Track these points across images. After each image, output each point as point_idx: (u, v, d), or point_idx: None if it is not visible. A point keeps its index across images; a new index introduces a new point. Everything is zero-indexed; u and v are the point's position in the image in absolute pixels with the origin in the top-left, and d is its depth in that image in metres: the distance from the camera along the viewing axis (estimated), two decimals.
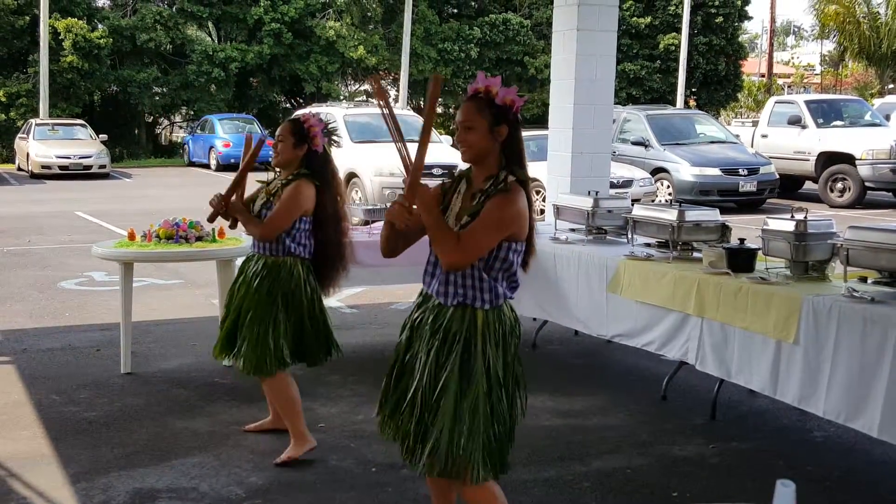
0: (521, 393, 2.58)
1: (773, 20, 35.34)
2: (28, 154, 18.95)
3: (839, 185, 14.01)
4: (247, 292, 3.62)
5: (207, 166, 21.57)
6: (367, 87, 29.93)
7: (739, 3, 28.06)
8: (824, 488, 3.49)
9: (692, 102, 27.41)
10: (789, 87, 42.31)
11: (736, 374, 4.01)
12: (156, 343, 5.62)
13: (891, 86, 29.81)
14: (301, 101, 27.27)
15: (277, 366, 3.59)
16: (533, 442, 3.85)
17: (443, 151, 13.14)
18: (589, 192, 5.32)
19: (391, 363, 2.66)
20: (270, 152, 3.75)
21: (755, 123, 16.21)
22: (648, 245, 4.83)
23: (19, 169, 20.11)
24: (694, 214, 4.49)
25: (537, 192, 10.47)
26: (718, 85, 28.68)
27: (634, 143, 13.96)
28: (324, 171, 3.63)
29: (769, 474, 3.48)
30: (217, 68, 24.75)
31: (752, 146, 14.96)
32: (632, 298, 4.53)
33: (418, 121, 14.88)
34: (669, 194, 13.04)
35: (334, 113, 12.75)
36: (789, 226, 3.89)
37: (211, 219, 3.84)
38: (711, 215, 4.56)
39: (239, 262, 5.23)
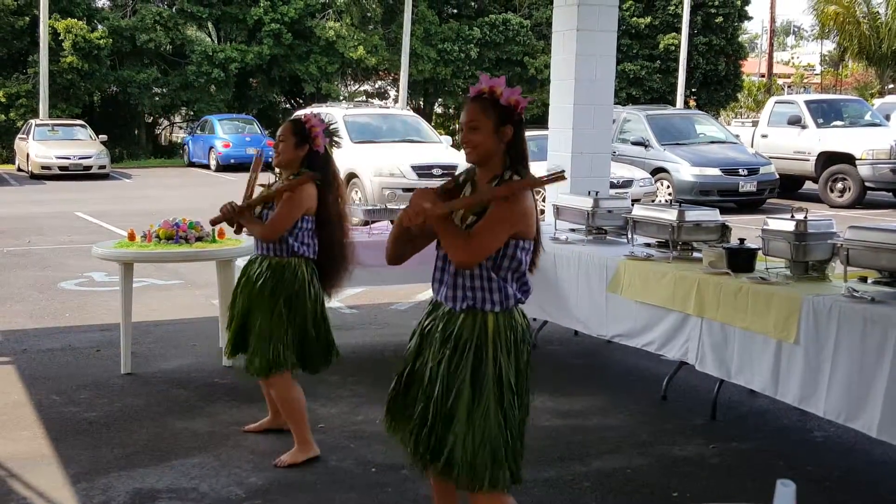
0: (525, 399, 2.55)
1: (772, 20, 35.35)
2: (28, 154, 18.96)
3: (839, 185, 14.01)
4: (250, 293, 3.61)
5: (207, 167, 21.57)
6: (367, 87, 29.94)
7: (739, 3, 28.06)
8: (824, 488, 3.49)
9: (692, 102, 27.41)
10: (789, 87, 42.31)
11: (736, 375, 4.01)
12: (156, 343, 5.62)
13: (891, 86, 29.81)
14: (301, 101, 27.27)
15: (286, 366, 3.57)
16: (533, 442, 3.83)
17: (443, 152, 13.14)
18: (589, 193, 5.32)
19: (400, 371, 2.63)
20: (271, 153, 3.75)
21: (755, 123, 16.21)
22: (648, 245, 4.83)
23: (19, 169, 20.12)
24: (694, 214, 4.49)
25: (538, 193, 10.46)
26: (718, 85, 28.69)
27: (634, 144, 13.96)
28: (325, 171, 3.63)
29: (769, 474, 3.48)
30: (217, 69, 24.76)
31: (752, 146, 14.96)
32: (632, 298, 4.53)
33: (419, 121, 14.89)
34: (669, 194, 13.04)
35: (334, 113, 12.75)
36: (789, 226, 3.89)
37: (214, 222, 3.83)
38: (711, 215, 4.56)
39: (239, 262, 5.25)
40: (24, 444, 3.90)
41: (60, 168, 18.51)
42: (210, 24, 27.23)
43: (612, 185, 8.91)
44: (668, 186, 13.33)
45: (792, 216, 3.93)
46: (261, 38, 25.47)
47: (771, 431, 4.13)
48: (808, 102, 15.30)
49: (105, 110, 25.72)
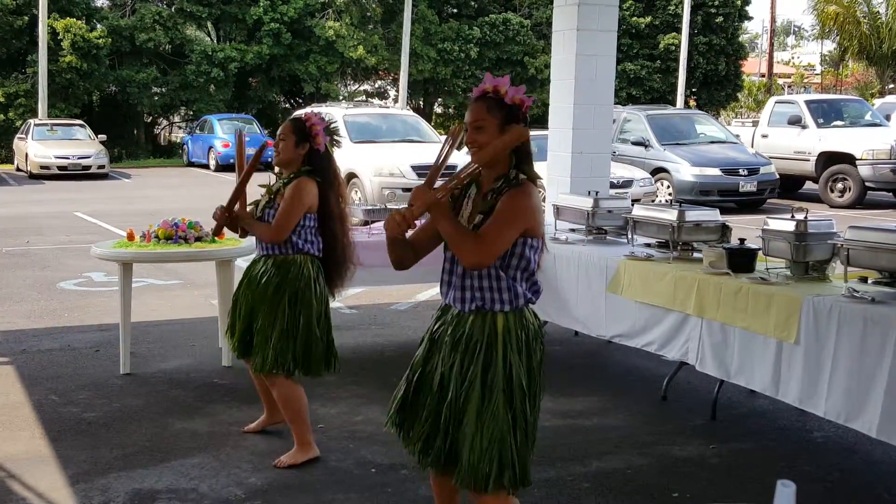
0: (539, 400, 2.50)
1: (773, 20, 35.36)
2: (27, 154, 18.95)
3: (839, 186, 14.01)
4: (254, 292, 3.58)
5: (206, 167, 21.56)
6: (366, 86, 29.94)
7: (739, 2, 28.07)
8: (824, 489, 3.49)
9: (692, 102, 27.41)
10: (789, 87, 42.31)
11: (736, 375, 4.00)
12: (155, 344, 5.61)
13: (891, 86, 29.81)
14: (300, 101, 27.27)
15: (288, 366, 3.55)
16: None
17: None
18: (589, 193, 5.31)
19: (409, 377, 2.59)
20: (271, 153, 3.74)
21: (755, 123, 16.20)
22: (648, 245, 4.82)
23: (18, 169, 20.12)
24: (694, 214, 4.48)
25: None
26: (718, 85, 28.69)
27: (634, 143, 13.96)
28: (326, 169, 3.61)
29: (769, 475, 3.47)
30: (216, 68, 24.76)
31: (752, 146, 14.96)
32: (632, 299, 4.53)
33: (419, 121, 14.89)
34: (669, 194, 13.03)
35: (334, 113, 12.75)
36: (789, 226, 3.88)
37: (217, 232, 3.82)
38: (711, 215, 4.55)
39: (239, 262, 5.25)
40: (23, 444, 3.89)
41: (59, 168, 18.50)
42: (209, 24, 27.23)
43: (612, 185, 8.90)
44: (669, 186, 13.33)
45: (792, 216, 3.93)
46: (260, 37, 25.47)
47: (771, 432, 4.13)
48: (808, 102, 15.30)
49: (104, 110, 25.72)
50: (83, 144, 19.41)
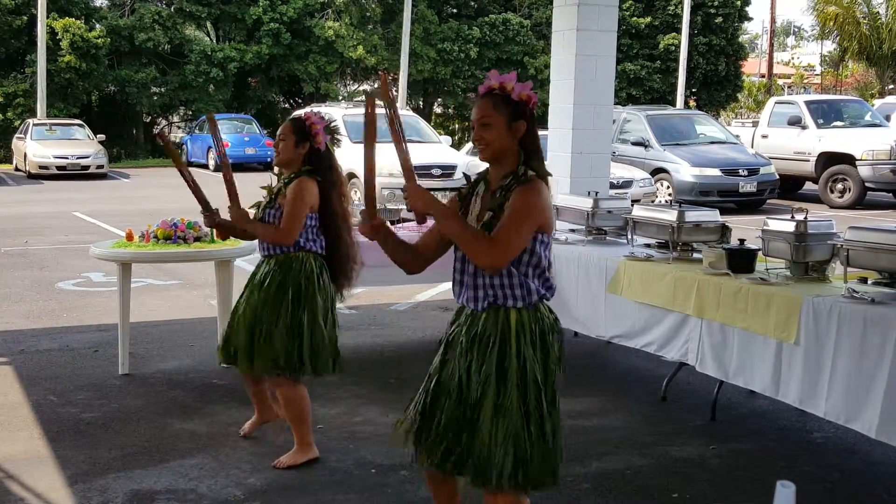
0: (557, 397, 2.46)
1: (773, 20, 35.37)
2: (25, 154, 18.94)
3: (839, 186, 14.01)
4: (258, 294, 3.54)
5: (206, 166, 21.55)
6: (366, 87, 29.91)
7: (739, 3, 28.07)
8: (824, 489, 3.48)
9: (692, 103, 27.40)
10: (789, 87, 42.31)
11: (736, 375, 4.00)
12: (154, 344, 5.60)
13: (891, 86, 29.81)
14: (300, 101, 27.26)
15: (295, 367, 3.51)
16: None
17: (442, 152, 13.13)
18: (589, 193, 5.31)
19: (426, 387, 2.54)
20: (271, 152, 3.73)
21: (755, 124, 16.21)
22: (648, 246, 4.82)
23: (17, 169, 20.11)
24: (694, 215, 4.48)
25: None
26: (718, 85, 28.69)
27: (634, 144, 13.96)
28: (327, 169, 3.59)
29: (769, 475, 3.47)
30: (215, 68, 24.75)
31: (752, 147, 14.96)
32: (632, 299, 4.52)
33: (418, 121, 14.87)
34: (669, 195, 13.03)
35: (333, 113, 12.74)
36: (789, 226, 3.88)
37: (222, 236, 3.78)
38: (711, 216, 4.55)
39: (238, 262, 5.24)
40: (22, 444, 3.88)
41: (58, 168, 18.49)
42: (209, 24, 27.22)
43: (612, 186, 8.90)
44: (668, 187, 13.33)
45: (792, 217, 3.92)
46: (260, 37, 25.46)
47: (770, 432, 4.12)
48: (808, 103, 15.30)
49: (103, 110, 25.71)
50: (82, 144, 19.40)
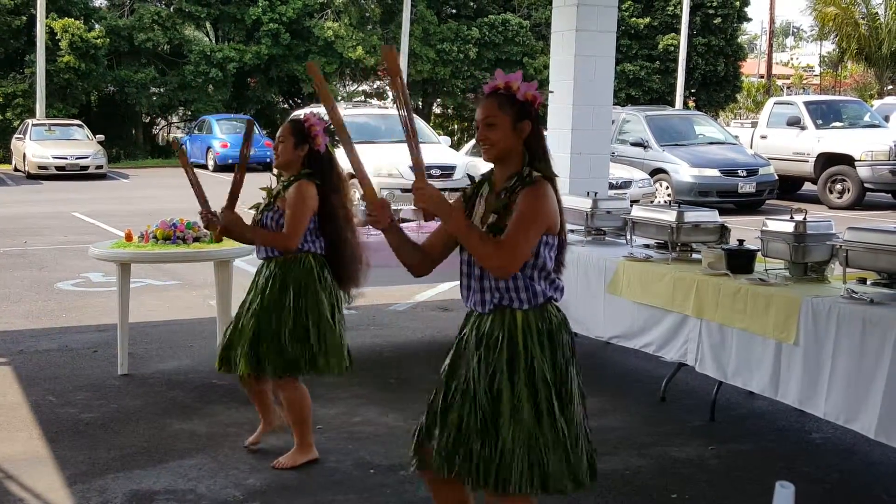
0: (574, 397, 2.39)
1: (772, 21, 35.38)
2: (24, 154, 18.93)
3: (838, 187, 14.02)
4: (262, 297, 3.51)
5: (205, 167, 21.54)
6: (365, 87, 29.92)
7: (738, 3, 28.08)
8: (823, 490, 3.49)
9: (691, 103, 27.41)
10: (788, 88, 42.33)
11: (735, 376, 4.00)
12: (153, 344, 5.60)
13: (890, 87, 29.84)
14: (299, 101, 27.25)
15: (302, 368, 3.49)
16: None
17: (441, 152, 13.13)
18: (588, 193, 5.31)
19: (436, 396, 2.48)
20: (270, 153, 3.71)
21: (754, 124, 16.22)
22: (647, 246, 4.82)
23: (16, 169, 20.09)
24: (693, 215, 4.48)
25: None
26: (717, 86, 28.70)
27: (633, 144, 13.96)
28: (327, 171, 3.58)
29: (768, 476, 3.47)
30: (215, 68, 24.74)
31: (751, 147, 14.97)
32: (631, 299, 4.52)
33: (418, 122, 14.88)
34: (668, 195, 13.04)
35: None
36: (788, 227, 3.88)
37: (217, 236, 3.75)
38: (710, 216, 4.55)
39: (237, 262, 5.24)
40: (21, 445, 3.88)
41: (57, 168, 18.48)
42: (208, 24, 27.22)
43: (611, 186, 8.91)
44: (667, 187, 13.33)
45: (791, 217, 3.92)
46: (259, 37, 25.46)
47: (769, 433, 4.12)
48: (807, 103, 15.31)
49: (102, 110, 25.70)
50: (81, 144, 19.39)
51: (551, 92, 2.67)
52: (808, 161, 14.44)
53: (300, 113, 3.81)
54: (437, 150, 13.16)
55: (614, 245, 5.09)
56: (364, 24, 26.83)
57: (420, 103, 28.43)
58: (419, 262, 2.50)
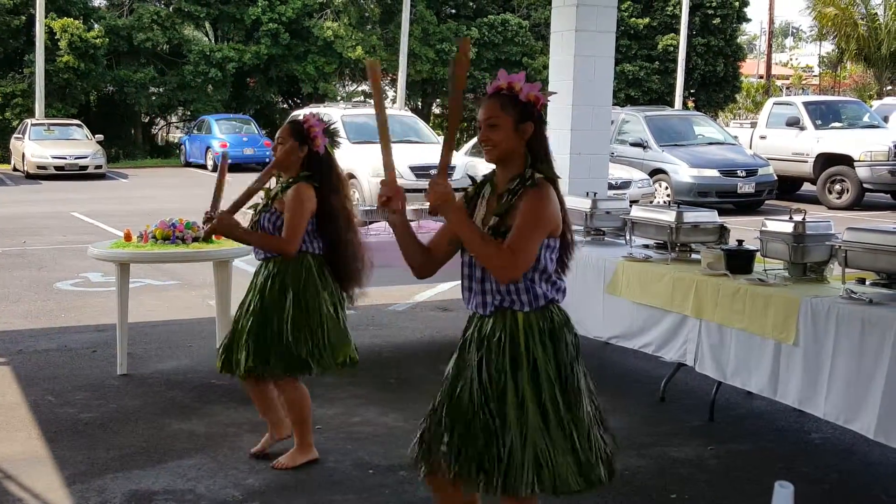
0: (585, 398, 2.39)
1: (771, 21, 35.39)
2: (24, 154, 18.93)
3: (837, 187, 14.03)
4: (262, 298, 3.51)
5: (204, 167, 21.55)
6: (364, 87, 29.93)
7: (737, 4, 28.10)
8: (822, 490, 3.49)
9: (691, 104, 27.43)
10: (788, 88, 42.35)
11: (734, 376, 4.00)
12: (152, 344, 5.60)
13: (889, 87, 29.85)
14: (298, 101, 27.25)
15: (306, 368, 3.48)
16: None
17: (439, 152, 13.12)
18: (587, 194, 5.31)
19: (441, 400, 2.45)
20: (269, 153, 3.70)
21: (753, 125, 16.23)
22: (647, 246, 4.82)
23: (15, 169, 20.09)
24: (692, 216, 4.48)
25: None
26: (717, 86, 28.72)
27: (633, 145, 13.97)
28: (327, 172, 3.57)
29: (767, 476, 3.47)
30: (214, 68, 24.74)
31: (750, 148, 14.98)
32: (630, 300, 4.52)
33: (416, 121, 14.87)
34: (668, 196, 13.04)
35: (332, 113, 12.75)
36: (788, 227, 3.88)
37: (207, 235, 3.74)
38: (710, 217, 4.55)
39: (237, 262, 5.23)
40: (20, 445, 3.88)
41: (56, 168, 18.48)
42: (207, 24, 27.21)
43: (611, 187, 8.91)
44: (667, 188, 13.34)
45: (790, 218, 3.93)
46: (258, 37, 25.45)
47: (769, 433, 4.13)
48: (806, 104, 15.32)
49: (101, 110, 25.70)
50: (80, 144, 19.39)
51: (554, 93, 2.64)
52: (807, 161, 14.45)
53: (299, 113, 3.79)
54: (436, 150, 13.11)
55: (613, 245, 5.09)
56: (363, 24, 26.82)
57: (419, 103, 28.45)
58: (424, 263, 2.47)
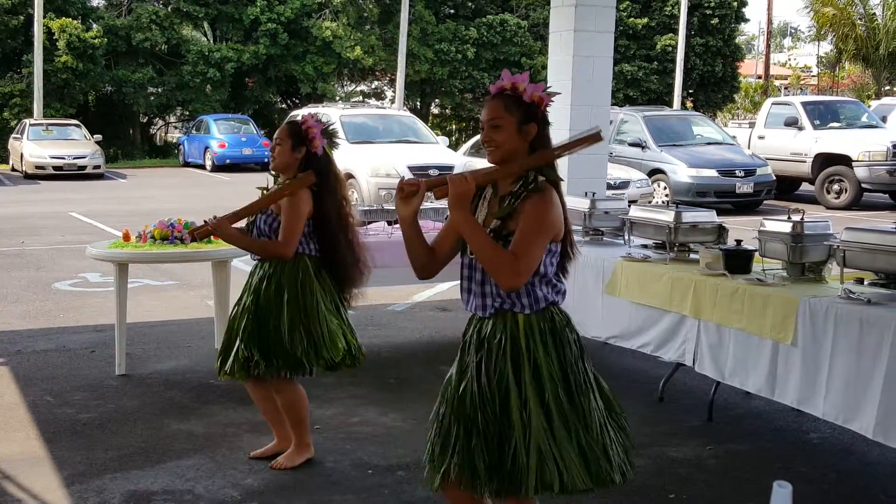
0: (593, 396, 2.35)
1: (769, 21, 35.44)
2: (22, 154, 18.91)
3: (836, 187, 14.04)
4: (256, 296, 3.50)
5: (203, 167, 21.54)
6: (363, 87, 29.92)
7: (736, 4, 28.12)
8: (821, 490, 3.49)
9: (689, 104, 27.44)
10: (786, 88, 42.37)
11: (732, 376, 4.00)
12: (150, 344, 5.60)
13: (887, 87, 29.88)
14: (297, 101, 27.23)
15: (305, 368, 3.46)
16: None
17: (439, 152, 13.14)
18: (586, 194, 5.31)
19: (444, 404, 2.43)
20: (268, 153, 3.69)
21: (752, 125, 16.24)
22: (645, 246, 4.83)
23: (13, 169, 20.06)
24: (691, 216, 4.48)
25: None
26: (715, 86, 28.73)
27: (631, 145, 13.97)
28: (324, 173, 3.57)
29: (766, 476, 3.47)
30: (213, 68, 24.72)
31: (748, 148, 14.99)
32: (628, 300, 4.53)
33: (415, 121, 14.87)
34: (666, 196, 13.05)
35: (330, 114, 12.75)
36: (786, 227, 3.89)
37: (201, 234, 3.73)
38: (708, 217, 4.55)
39: (236, 262, 5.23)
40: (18, 445, 3.88)
41: (55, 168, 18.46)
42: (206, 24, 27.19)
43: (609, 187, 8.91)
44: (665, 188, 13.34)
45: (788, 217, 3.93)
46: (257, 37, 25.44)
47: (767, 433, 4.13)
48: (804, 104, 15.33)
49: (100, 110, 25.66)
50: (79, 144, 19.37)
51: (558, 93, 2.62)
52: (805, 161, 14.46)
53: (298, 113, 3.79)
54: (434, 150, 13.16)
55: (612, 245, 5.10)
56: (362, 24, 26.81)
57: (418, 103, 28.44)
58: (427, 263, 2.45)
